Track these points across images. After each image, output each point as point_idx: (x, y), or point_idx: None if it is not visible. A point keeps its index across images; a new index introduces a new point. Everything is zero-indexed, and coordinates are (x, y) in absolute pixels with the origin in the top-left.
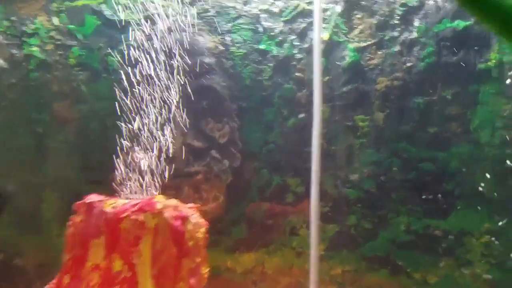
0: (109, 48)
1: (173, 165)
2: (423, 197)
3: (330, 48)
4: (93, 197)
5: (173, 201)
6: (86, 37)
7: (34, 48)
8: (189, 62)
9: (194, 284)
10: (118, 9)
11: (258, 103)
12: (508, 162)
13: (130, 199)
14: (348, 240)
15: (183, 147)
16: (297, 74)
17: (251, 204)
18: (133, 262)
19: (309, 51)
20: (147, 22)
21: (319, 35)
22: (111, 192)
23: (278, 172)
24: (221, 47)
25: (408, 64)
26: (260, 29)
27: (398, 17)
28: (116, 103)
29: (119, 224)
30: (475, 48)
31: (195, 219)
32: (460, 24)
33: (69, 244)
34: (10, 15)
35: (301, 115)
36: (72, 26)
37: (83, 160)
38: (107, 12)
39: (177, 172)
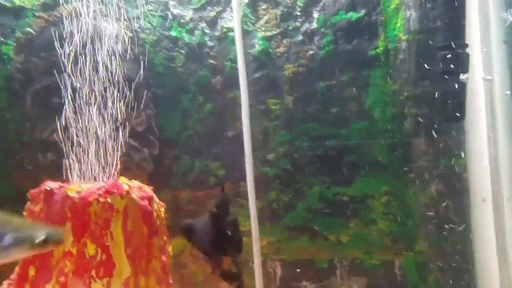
0: (2, 37)
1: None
2: (331, 169)
3: (241, 36)
4: (51, 184)
5: (136, 182)
6: None
7: None
8: (97, 49)
9: (164, 261)
10: None
11: (173, 90)
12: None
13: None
14: (270, 214)
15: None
16: (210, 61)
17: (174, 191)
18: (107, 244)
19: (220, 39)
20: (46, 8)
21: (239, 26)
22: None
23: (198, 157)
24: (130, 34)
25: (310, 52)
26: (170, 16)
27: (299, 9)
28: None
29: (87, 208)
30: (366, 37)
31: (156, 198)
32: (353, 15)
33: None
34: None
35: (217, 101)
36: None
37: None
38: None
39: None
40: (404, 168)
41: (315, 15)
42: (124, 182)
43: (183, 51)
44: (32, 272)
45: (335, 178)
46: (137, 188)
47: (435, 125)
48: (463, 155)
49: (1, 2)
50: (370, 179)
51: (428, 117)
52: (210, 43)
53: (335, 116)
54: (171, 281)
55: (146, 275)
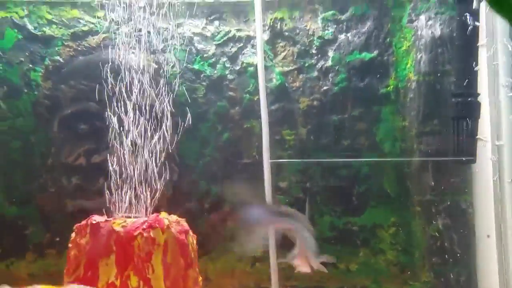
0: (30, 64)
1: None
2: (342, 199)
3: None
4: (97, 218)
5: (174, 217)
6: (5, 51)
7: None
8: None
9: None
10: (42, 23)
11: (193, 119)
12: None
13: (127, 218)
14: (282, 240)
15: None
16: (229, 93)
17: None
18: (148, 277)
19: (239, 73)
20: (75, 38)
21: (262, 62)
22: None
23: (215, 183)
24: (155, 66)
25: (325, 88)
26: (193, 50)
27: (315, 47)
28: None
29: (132, 242)
30: (378, 76)
31: (190, 231)
32: (366, 55)
33: (71, 266)
34: None
35: (234, 131)
36: None
37: (5, 180)
38: (30, 26)
39: None
40: (412, 201)
41: (330, 53)
42: (164, 217)
43: (204, 83)
44: None
45: (346, 207)
46: (175, 223)
47: (443, 163)
48: (469, 192)
49: (32, 31)
50: (379, 209)
51: (437, 155)
52: (230, 76)
53: (346, 147)
54: None
55: None
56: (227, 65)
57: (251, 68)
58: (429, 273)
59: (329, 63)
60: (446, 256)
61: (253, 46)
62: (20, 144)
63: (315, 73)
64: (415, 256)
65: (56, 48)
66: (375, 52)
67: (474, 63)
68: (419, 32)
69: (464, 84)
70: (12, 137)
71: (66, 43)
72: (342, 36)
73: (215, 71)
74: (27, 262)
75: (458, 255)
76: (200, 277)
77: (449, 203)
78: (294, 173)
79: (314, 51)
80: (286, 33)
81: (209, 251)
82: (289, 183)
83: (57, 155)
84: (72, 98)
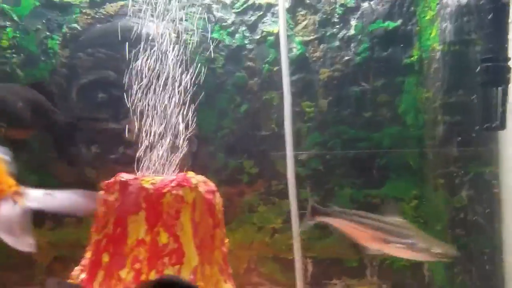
0: (47, 31)
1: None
2: (362, 171)
3: (279, 40)
4: (125, 175)
5: (202, 177)
6: (22, 18)
7: None
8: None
9: (225, 251)
10: None
11: (211, 90)
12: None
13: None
14: (301, 212)
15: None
16: (248, 63)
17: None
18: (177, 234)
19: (259, 42)
20: (93, 5)
21: (284, 31)
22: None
23: (232, 155)
24: (174, 35)
25: (346, 58)
26: (212, 18)
27: (337, 16)
28: None
29: (161, 199)
30: (401, 45)
31: (217, 193)
32: (390, 24)
33: (99, 223)
34: None
35: (253, 102)
36: (6, 5)
37: (24, 150)
38: None
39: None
40: (434, 173)
41: (353, 22)
42: (192, 176)
43: (223, 53)
44: (106, 258)
45: (366, 180)
46: (202, 182)
47: (468, 133)
48: (495, 162)
49: None
50: (400, 182)
51: (462, 125)
52: (249, 46)
53: (367, 120)
54: (230, 271)
55: (211, 264)
56: (246, 34)
57: (271, 38)
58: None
59: (352, 32)
60: (470, 228)
61: (273, 14)
62: None
63: (337, 43)
64: (437, 229)
65: (74, 16)
66: (399, 21)
67: (505, 28)
68: (444, 1)
69: (494, 49)
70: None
71: (84, 11)
72: (365, 4)
73: (234, 41)
74: (46, 230)
75: (483, 227)
76: (227, 239)
77: (473, 174)
78: (314, 145)
79: (336, 20)
80: (307, 1)
81: (228, 222)
82: (308, 155)
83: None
84: (90, 67)
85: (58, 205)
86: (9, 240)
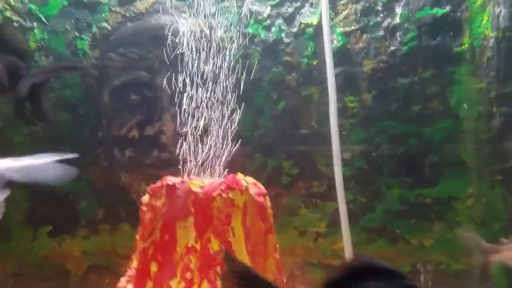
0: (76, 32)
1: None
2: (412, 169)
3: (318, 32)
4: (172, 179)
5: (251, 179)
6: (50, 18)
7: None
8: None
9: (278, 259)
10: None
11: (247, 87)
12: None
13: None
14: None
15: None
16: (286, 58)
17: None
18: (229, 240)
19: (296, 36)
20: (122, 3)
21: (327, 21)
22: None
23: (271, 155)
24: (207, 30)
25: (392, 48)
26: (247, 12)
27: (381, 4)
28: None
29: (210, 203)
30: (451, 33)
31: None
32: (439, 11)
33: (146, 230)
34: None
35: (291, 99)
36: (33, 5)
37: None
38: None
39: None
40: (491, 170)
41: (398, 10)
42: (242, 178)
43: (259, 48)
44: (154, 268)
45: (417, 179)
46: (253, 184)
47: None
48: None
49: None
50: (455, 180)
51: None
52: (286, 40)
53: (417, 114)
54: (284, 280)
55: (264, 273)
56: (283, 27)
57: (310, 29)
58: None
59: (397, 20)
60: None
61: (312, 5)
62: (68, 116)
63: (381, 32)
64: (495, 229)
65: (103, 15)
66: (448, 8)
67: None
68: None
69: None
70: (60, 110)
71: (113, 9)
72: None
73: (270, 35)
74: (80, 239)
75: None
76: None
77: None
78: (358, 143)
79: (379, 8)
80: None
81: None
82: (352, 153)
83: (108, 128)
84: (122, 67)
85: (27, 174)
86: None
